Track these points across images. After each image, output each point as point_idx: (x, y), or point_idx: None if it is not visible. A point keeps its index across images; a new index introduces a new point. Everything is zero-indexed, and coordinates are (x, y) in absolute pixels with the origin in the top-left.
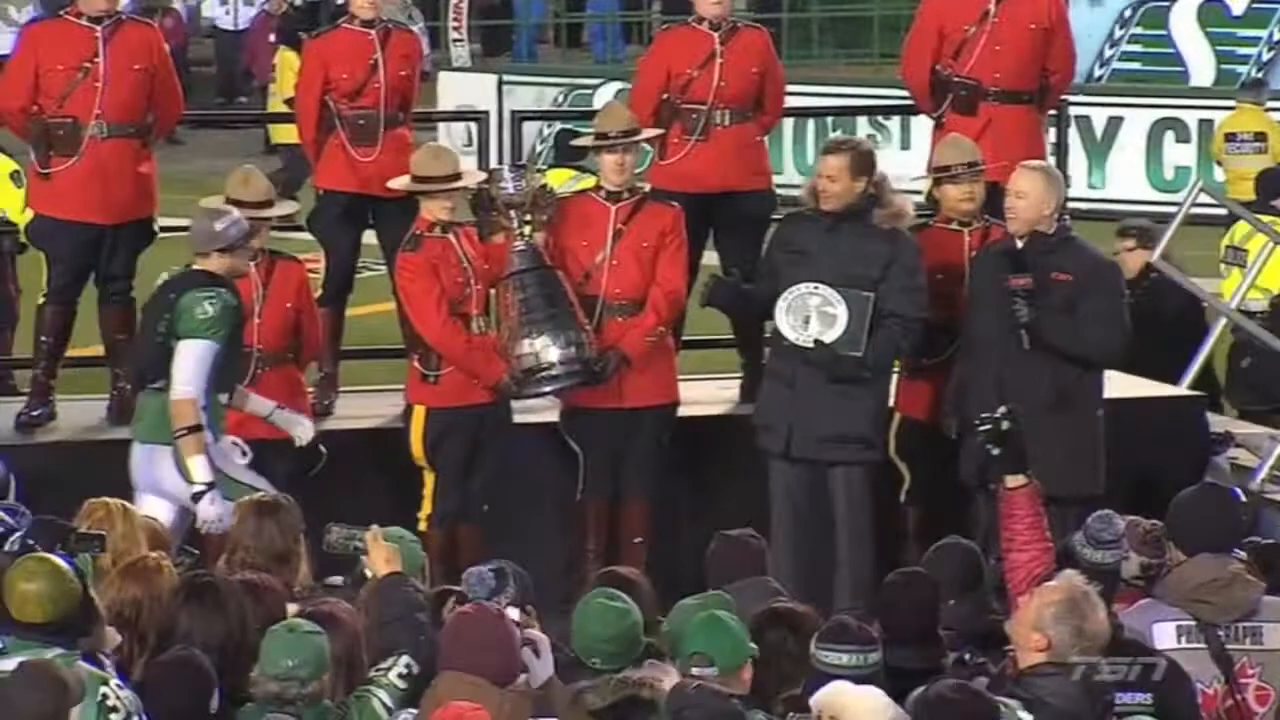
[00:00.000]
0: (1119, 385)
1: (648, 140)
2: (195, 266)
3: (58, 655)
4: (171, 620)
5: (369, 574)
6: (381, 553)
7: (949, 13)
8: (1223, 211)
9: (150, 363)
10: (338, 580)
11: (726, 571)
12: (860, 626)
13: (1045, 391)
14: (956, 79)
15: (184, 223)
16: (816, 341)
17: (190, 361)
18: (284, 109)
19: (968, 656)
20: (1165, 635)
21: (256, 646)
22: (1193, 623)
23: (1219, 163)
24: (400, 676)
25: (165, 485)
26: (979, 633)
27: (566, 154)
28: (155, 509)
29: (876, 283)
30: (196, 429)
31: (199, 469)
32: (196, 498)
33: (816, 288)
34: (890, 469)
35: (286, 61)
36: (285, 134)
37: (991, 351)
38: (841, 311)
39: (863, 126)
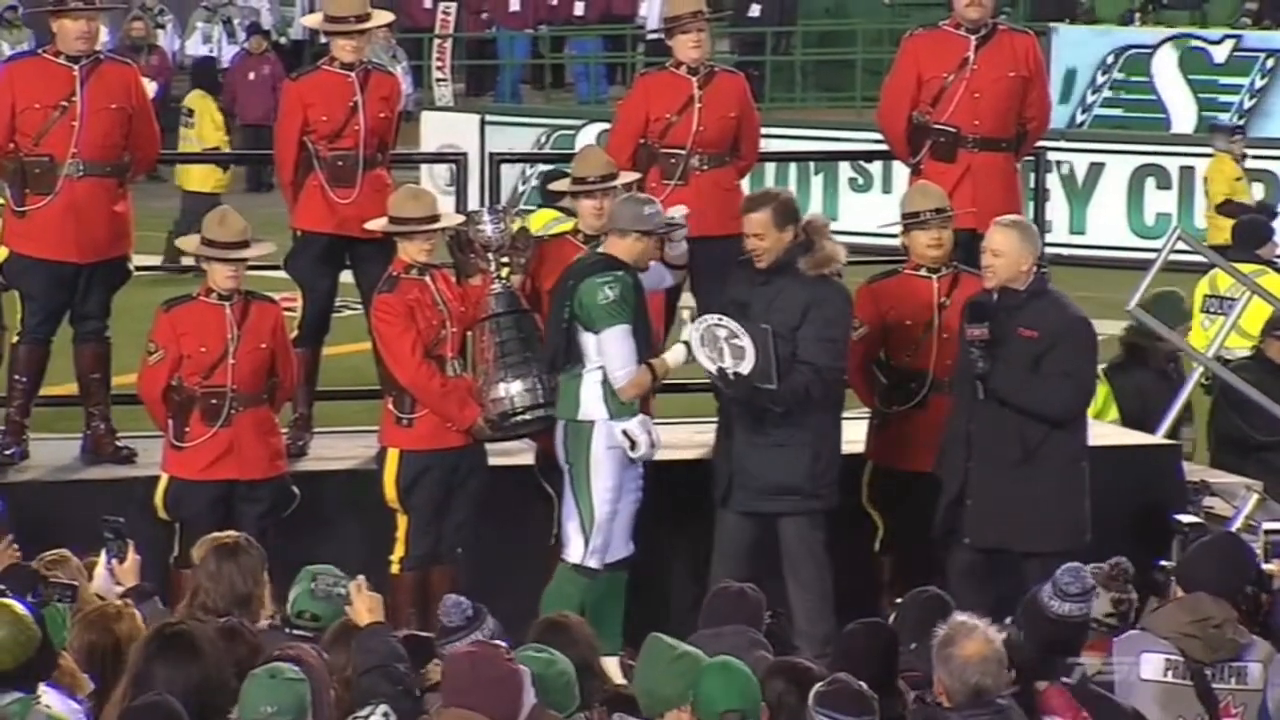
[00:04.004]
0: (1093, 433)
1: (625, 185)
2: (602, 249)
3: (15, 700)
4: (145, 668)
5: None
6: (364, 602)
7: (928, 60)
8: (1200, 258)
9: (557, 349)
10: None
11: (720, 622)
12: (860, 694)
13: (1012, 447)
14: (935, 126)
15: (160, 262)
16: (736, 375)
17: (616, 349)
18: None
19: (928, 698)
20: (1153, 666)
21: (232, 691)
22: (1180, 659)
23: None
24: None
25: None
26: None
27: (548, 196)
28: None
29: (795, 329)
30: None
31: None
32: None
33: (721, 319)
34: (864, 518)
35: (203, 107)
36: (197, 180)
37: (961, 405)
38: (747, 343)
39: (845, 170)
